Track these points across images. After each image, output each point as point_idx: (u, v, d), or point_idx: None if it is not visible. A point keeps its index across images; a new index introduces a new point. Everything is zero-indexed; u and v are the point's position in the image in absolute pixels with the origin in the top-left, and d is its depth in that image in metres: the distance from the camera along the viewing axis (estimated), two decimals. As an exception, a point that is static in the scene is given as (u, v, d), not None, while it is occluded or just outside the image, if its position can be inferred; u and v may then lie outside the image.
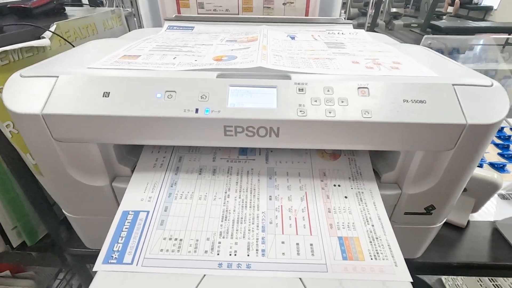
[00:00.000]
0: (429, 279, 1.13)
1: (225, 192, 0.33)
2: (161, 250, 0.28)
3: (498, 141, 0.72)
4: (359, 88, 0.29)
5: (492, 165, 0.63)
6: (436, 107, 0.28)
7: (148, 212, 0.31)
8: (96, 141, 0.30)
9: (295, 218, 0.31)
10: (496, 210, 0.52)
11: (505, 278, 0.93)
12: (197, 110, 0.28)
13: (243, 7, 0.68)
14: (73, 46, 0.51)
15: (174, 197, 0.32)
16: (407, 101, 0.28)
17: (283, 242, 0.29)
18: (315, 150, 0.37)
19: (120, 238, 0.29)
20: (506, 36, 0.84)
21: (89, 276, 0.64)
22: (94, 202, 0.35)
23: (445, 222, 0.48)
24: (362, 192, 0.33)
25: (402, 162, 0.33)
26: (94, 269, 0.27)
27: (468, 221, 0.49)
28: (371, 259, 0.28)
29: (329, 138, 0.29)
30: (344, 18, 0.65)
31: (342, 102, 0.28)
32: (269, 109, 0.28)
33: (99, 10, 0.65)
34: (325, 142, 0.29)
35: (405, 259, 0.42)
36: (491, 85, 0.29)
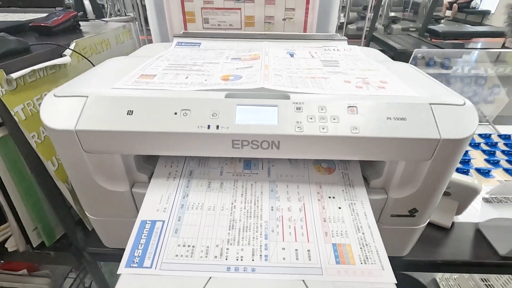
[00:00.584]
0: (424, 279, 1.17)
1: (232, 203, 0.37)
2: (176, 255, 0.32)
3: (486, 147, 0.77)
4: (348, 107, 0.33)
5: (478, 170, 0.68)
6: (415, 124, 0.32)
7: (163, 221, 0.35)
8: (120, 153, 0.35)
9: (294, 226, 0.34)
10: (480, 213, 0.56)
11: (497, 278, 0.97)
12: (209, 126, 0.32)
13: (246, 22, 0.73)
14: (90, 61, 0.56)
15: (186, 208, 0.36)
16: (390, 118, 0.33)
17: (283, 248, 0.32)
18: (312, 165, 0.41)
19: (140, 245, 0.32)
20: (498, 50, 0.89)
21: (100, 274, 0.68)
22: (115, 205, 0.40)
23: (431, 223, 0.53)
24: (354, 203, 0.37)
25: (388, 170, 0.37)
26: (118, 272, 0.30)
27: (453, 223, 0.54)
28: (361, 263, 0.31)
29: (322, 150, 0.33)
30: (340, 32, 0.70)
31: (334, 119, 0.33)
32: (271, 125, 0.33)
33: (111, 25, 0.69)
34: (319, 154, 0.34)
35: (393, 257, 0.47)
36: (463, 104, 0.34)
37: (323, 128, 0.32)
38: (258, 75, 0.40)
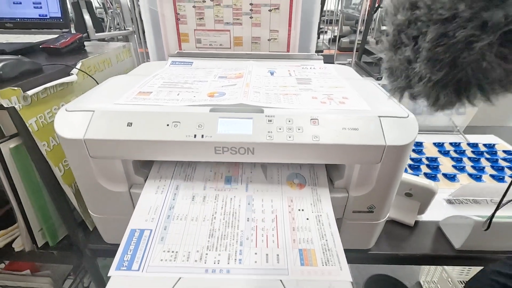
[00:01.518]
0: (409, 282, 1.22)
1: (212, 215, 0.42)
2: (161, 260, 0.36)
3: (454, 155, 0.84)
4: (311, 119, 0.40)
5: (445, 175, 0.75)
6: (365, 133, 0.39)
7: (151, 230, 0.39)
8: (121, 158, 0.41)
9: (267, 235, 0.40)
10: (443, 212, 0.63)
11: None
12: (195, 136, 0.39)
13: (235, 42, 0.81)
14: (94, 79, 0.63)
15: (172, 218, 0.41)
16: (345, 128, 0.40)
17: (256, 253, 0.37)
18: (285, 181, 0.47)
19: (129, 250, 0.37)
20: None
21: (98, 273, 0.73)
22: (115, 204, 0.46)
23: (396, 222, 0.59)
24: (321, 215, 0.42)
25: (347, 172, 0.44)
26: (108, 275, 0.34)
27: (418, 221, 0.60)
28: (323, 265, 0.36)
29: (289, 155, 0.40)
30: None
31: (299, 129, 0.40)
32: (246, 134, 0.39)
33: (112, 45, 0.77)
34: (287, 158, 0.41)
35: (362, 250, 0.53)
36: (407, 116, 0.41)
37: (290, 137, 0.39)
38: (239, 92, 0.47)
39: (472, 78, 0.19)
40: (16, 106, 0.45)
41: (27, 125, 0.47)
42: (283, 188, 0.45)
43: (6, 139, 0.50)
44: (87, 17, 1.74)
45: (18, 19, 0.78)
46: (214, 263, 0.36)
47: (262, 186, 0.46)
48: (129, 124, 0.40)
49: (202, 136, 0.39)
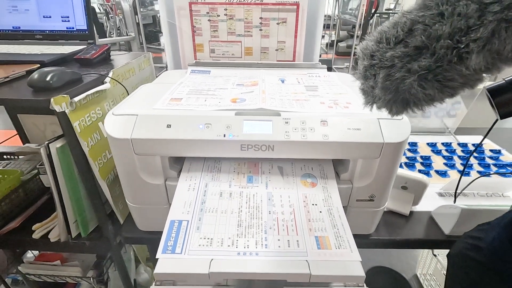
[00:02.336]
0: (406, 274, 1.30)
1: (239, 208, 0.48)
2: (199, 245, 0.42)
3: (446, 154, 0.92)
4: (321, 121, 0.48)
5: (437, 171, 0.83)
6: (367, 132, 0.47)
7: (188, 221, 0.46)
8: (161, 155, 0.49)
9: (287, 225, 0.46)
10: (435, 204, 0.70)
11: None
12: (224, 135, 0.47)
13: (245, 52, 0.89)
14: (124, 86, 0.70)
15: (205, 211, 0.47)
16: (349, 129, 0.48)
17: (279, 240, 0.44)
18: (299, 180, 0.53)
19: (171, 237, 0.43)
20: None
21: (122, 262, 0.79)
22: (151, 194, 0.53)
23: (392, 212, 0.67)
24: (332, 209, 0.49)
25: (352, 166, 0.52)
26: (156, 257, 0.40)
27: (412, 212, 0.68)
28: (336, 248, 0.43)
29: (303, 151, 0.48)
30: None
31: (311, 129, 0.47)
32: (267, 134, 0.47)
33: (135, 55, 0.84)
34: (301, 154, 0.48)
35: (363, 236, 0.60)
36: (401, 119, 0.49)
37: (303, 136, 0.47)
38: (257, 98, 0.55)
39: (409, 98, 0.31)
40: (66, 111, 0.52)
41: (73, 127, 0.54)
42: (298, 186, 0.52)
43: (53, 139, 0.57)
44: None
45: (48, 31, 0.85)
46: (244, 247, 0.42)
47: (279, 184, 0.52)
48: (169, 126, 0.47)
49: (230, 135, 0.47)
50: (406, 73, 0.29)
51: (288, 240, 0.44)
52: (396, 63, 0.29)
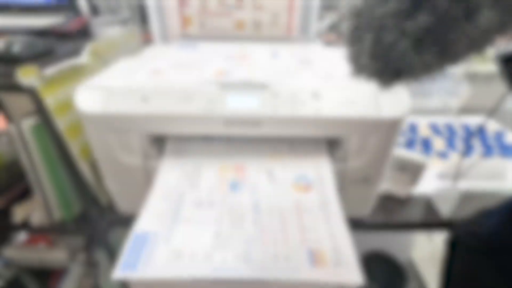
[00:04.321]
0: (401, 259, 1.29)
1: (219, 216, 0.41)
2: (167, 260, 0.35)
3: (447, 135, 0.88)
4: (313, 94, 0.44)
5: (437, 153, 0.79)
6: (363, 107, 0.43)
7: (156, 232, 0.38)
8: (138, 132, 0.45)
9: (274, 236, 0.38)
10: (434, 186, 0.67)
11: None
12: (207, 110, 0.43)
13: (237, 25, 0.83)
14: (104, 62, 0.65)
15: (178, 221, 0.40)
16: (344, 102, 0.43)
17: (264, 253, 0.36)
18: (291, 184, 0.45)
19: (134, 252, 0.36)
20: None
21: (109, 245, 0.77)
22: (130, 176, 0.50)
23: (389, 195, 0.63)
24: (329, 216, 0.41)
25: (346, 143, 0.48)
26: (113, 276, 0.33)
27: (410, 195, 0.65)
28: (333, 265, 0.35)
29: (293, 127, 0.44)
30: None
31: (302, 103, 0.43)
32: (254, 108, 0.43)
33: (118, 30, 0.79)
34: (291, 130, 0.44)
35: (359, 218, 0.57)
36: (401, 93, 0.45)
37: (294, 110, 0.43)
38: (245, 70, 0.50)
39: (401, 67, 0.25)
40: (35, 85, 0.48)
41: (46, 104, 0.50)
42: (290, 191, 0.45)
43: (25, 118, 0.53)
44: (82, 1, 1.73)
45: (24, 3, 0.79)
46: (221, 262, 0.35)
47: (268, 189, 0.45)
48: (145, 99, 0.43)
49: (213, 110, 0.43)
50: (398, 35, 0.24)
51: (276, 254, 0.36)
52: (387, 23, 0.24)
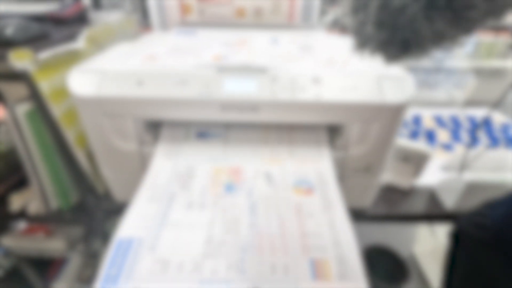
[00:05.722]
0: (403, 252, 1.28)
1: (211, 220, 0.37)
2: (151, 272, 0.32)
3: (452, 127, 0.86)
4: (313, 78, 0.42)
5: (442, 145, 0.77)
6: (365, 92, 0.41)
7: (141, 238, 0.35)
8: (132, 116, 0.43)
9: (272, 242, 0.35)
10: (438, 178, 0.66)
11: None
12: (202, 94, 0.41)
13: (237, 12, 0.81)
14: (99, 47, 0.64)
15: (165, 225, 0.36)
16: (345, 87, 0.42)
17: (260, 262, 0.33)
18: (292, 187, 0.42)
19: (116, 262, 0.32)
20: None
21: (105, 232, 0.76)
22: (125, 163, 0.49)
23: (393, 187, 0.62)
24: (333, 220, 0.37)
25: (347, 131, 0.46)
26: None
27: (413, 187, 0.63)
28: (338, 279, 0.31)
29: (293, 112, 0.42)
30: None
31: (302, 88, 0.42)
32: (251, 92, 0.41)
33: (115, 16, 0.77)
34: (290, 116, 0.43)
35: (358, 209, 0.56)
36: (404, 78, 0.43)
37: (293, 95, 0.41)
38: (244, 55, 0.48)
39: (410, 37, 0.23)
40: (28, 68, 0.46)
41: (40, 89, 0.49)
42: (290, 194, 0.41)
43: (19, 103, 0.52)
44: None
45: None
46: (212, 273, 0.32)
47: (266, 192, 0.41)
48: (140, 83, 0.41)
49: (209, 94, 0.41)
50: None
51: (273, 264, 0.33)
52: None
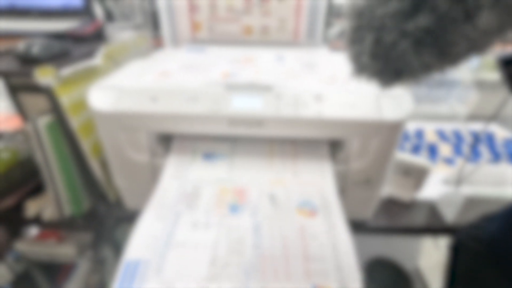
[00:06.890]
0: (407, 266, 1.27)
1: (215, 241, 0.38)
2: None
3: (454, 141, 0.88)
4: (316, 96, 0.45)
5: (444, 159, 0.79)
6: (365, 109, 0.44)
7: (148, 261, 0.36)
8: (147, 130, 0.47)
9: (276, 265, 0.35)
10: (439, 192, 0.67)
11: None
12: (212, 110, 0.44)
13: (245, 30, 0.85)
14: (116, 64, 0.68)
15: (171, 246, 0.37)
16: (346, 105, 0.44)
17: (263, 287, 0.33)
18: (295, 208, 0.43)
19: (125, 284, 0.33)
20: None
21: (115, 240, 0.79)
22: (138, 173, 0.52)
23: (394, 200, 0.64)
24: (337, 243, 0.38)
25: (348, 146, 0.48)
26: None
27: (414, 200, 0.65)
28: None
29: (296, 128, 0.45)
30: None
31: (305, 105, 0.44)
32: (258, 109, 0.44)
33: (130, 33, 0.82)
34: (294, 131, 0.45)
35: (358, 221, 0.58)
36: (403, 96, 0.45)
37: (296, 111, 0.44)
38: (250, 72, 0.52)
39: (401, 68, 0.26)
40: (51, 84, 0.50)
41: (61, 102, 0.53)
42: (293, 215, 0.42)
43: (41, 116, 0.56)
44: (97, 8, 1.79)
45: (42, 8, 0.84)
46: None
47: (270, 213, 0.42)
48: (154, 99, 0.45)
49: (218, 110, 0.44)
50: (399, 36, 0.24)
51: None
52: (387, 23, 0.24)
